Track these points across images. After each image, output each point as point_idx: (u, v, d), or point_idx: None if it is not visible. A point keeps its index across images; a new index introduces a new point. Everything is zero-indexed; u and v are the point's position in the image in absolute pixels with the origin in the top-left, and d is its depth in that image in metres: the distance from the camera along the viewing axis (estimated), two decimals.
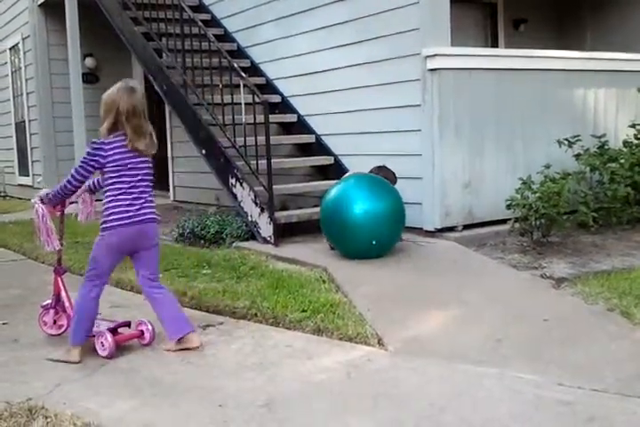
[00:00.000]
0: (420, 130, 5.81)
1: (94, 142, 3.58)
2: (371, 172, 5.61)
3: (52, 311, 4.05)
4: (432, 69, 5.65)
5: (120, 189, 3.57)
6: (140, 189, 3.62)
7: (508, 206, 5.25)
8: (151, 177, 3.71)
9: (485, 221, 5.88)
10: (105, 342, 3.62)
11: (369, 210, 5.08)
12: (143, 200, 3.64)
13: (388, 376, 3.16)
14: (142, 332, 3.83)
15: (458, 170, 5.77)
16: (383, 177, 5.47)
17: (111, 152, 3.51)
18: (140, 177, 3.61)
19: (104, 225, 3.64)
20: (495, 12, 8.77)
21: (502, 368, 3.15)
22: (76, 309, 3.71)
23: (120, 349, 3.68)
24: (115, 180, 3.56)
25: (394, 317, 3.90)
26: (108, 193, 3.60)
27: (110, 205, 3.59)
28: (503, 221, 5.60)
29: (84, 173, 3.62)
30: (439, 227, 5.72)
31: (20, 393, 3.13)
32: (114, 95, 3.60)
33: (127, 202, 3.58)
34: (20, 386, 3.25)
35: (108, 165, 3.53)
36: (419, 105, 5.79)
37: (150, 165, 3.70)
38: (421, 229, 5.83)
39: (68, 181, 3.70)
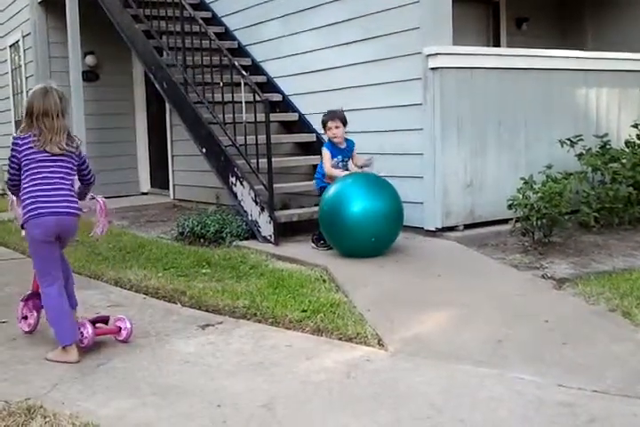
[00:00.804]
0: (421, 129, 5.79)
1: (14, 138, 3.74)
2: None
3: (21, 304, 4.09)
4: (433, 68, 5.64)
5: (33, 183, 3.65)
6: (54, 183, 3.67)
7: (510, 206, 5.24)
8: (68, 171, 3.74)
9: (487, 220, 5.86)
10: (85, 333, 3.69)
11: (367, 208, 5.06)
12: (57, 194, 3.66)
13: (387, 376, 3.15)
14: (120, 328, 3.86)
15: (459, 169, 5.75)
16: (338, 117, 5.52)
17: (24, 147, 3.65)
18: (52, 172, 3.68)
19: (22, 221, 3.73)
20: (497, 11, 8.75)
21: (503, 369, 3.13)
22: (47, 312, 3.73)
23: (106, 346, 3.67)
24: (27, 174, 3.66)
25: (394, 317, 3.88)
26: (23, 187, 3.69)
27: (25, 197, 3.67)
28: (505, 221, 5.58)
29: (10, 168, 3.75)
30: (440, 226, 5.70)
31: (19, 393, 3.12)
32: (30, 97, 3.77)
33: (40, 195, 3.63)
34: (19, 385, 3.24)
35: (22, 160, 3.66)
36: (420, 104, 5.78)
37: (69, 160, 3.74)
38: (422, 228, 5.82)
39: (7, 177, 3.82)
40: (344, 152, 5.69)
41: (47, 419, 2.81)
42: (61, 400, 3.03)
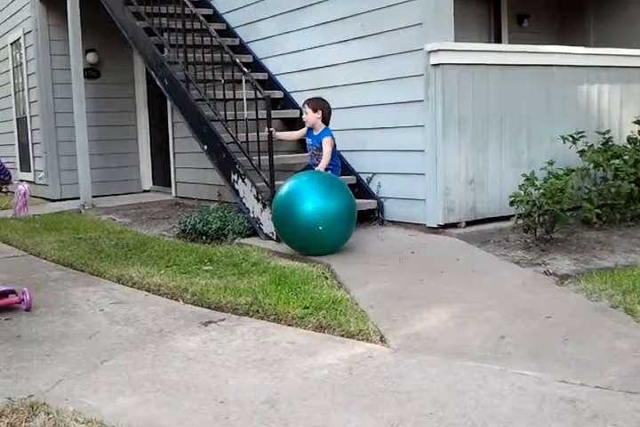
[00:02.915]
0: (423, 126, 5.79)
1: None
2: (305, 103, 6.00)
3: None
4: (435, 65, 5.63)
5: None
6: None
7: (512, 203, 5.24)
8: None
9: (489, 217, 5.86)
10: None
11: (319, 207, 5.14)
12: None
13: (390, 373, 3.15)
14: (22, 300, 4.47)
15: (461, 166, 5.75)
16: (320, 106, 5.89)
17: None
18: None
19: None
20: (498, 8, 8.73)
21: (505, 365, 3.13)
22: None
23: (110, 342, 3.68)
24: None
25: (396, 314, 3.88)
26: None
27: None
28: (507, 218, 5.59)
29: None
30: (442, 223, 5.70)
31: (22, 389, 3.13)
32: None
33: None
34: (22, 382, 3.25)
35: None
36: (422, 101, 5.77)
37: None
38: (424, 225, 5.82)
39: None
40: (314, 139, 6.02)
41: (50, 416, 2.81)
42: (64, 397, 3.04)
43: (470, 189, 5.79)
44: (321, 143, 5.90)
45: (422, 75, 5.74)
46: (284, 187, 5.39)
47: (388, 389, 2.98)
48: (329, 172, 5.77)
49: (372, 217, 6.19)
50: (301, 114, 7.12)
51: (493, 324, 3.68)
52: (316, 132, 6.01)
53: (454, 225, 5.73)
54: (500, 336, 3.49)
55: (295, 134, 6.38)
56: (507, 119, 5.98)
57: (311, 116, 5.99)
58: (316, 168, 5.79)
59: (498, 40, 8.64)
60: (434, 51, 5.61)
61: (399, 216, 6.13)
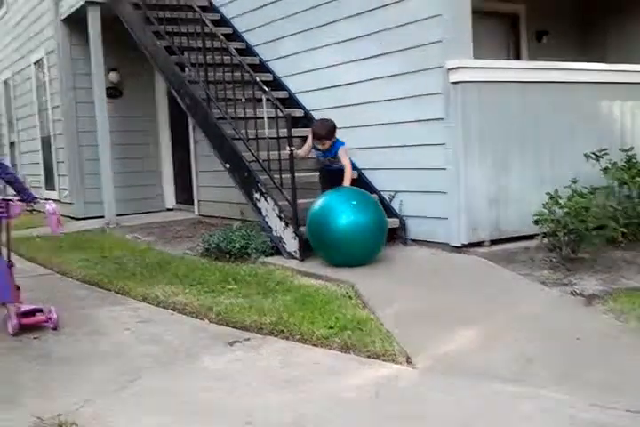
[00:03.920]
0: (444, 144, 5.79)
1: None
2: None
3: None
4: (455, 82, 5.64)
5: None
6: None
7: (536, 222, 5.21)
8: None
9: (513, 236, 5.82)
10: (9, 324, 4.46)
11: (353, 221, 5.44)
12: None
13: (416, 395, 3.14)
14: (49, 318, 4.55)
15: (484, 184, 5.74)
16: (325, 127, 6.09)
17: None
18: None
19: None
20: (517, 24, 8.76)
21: (534, 387, 3.11)
22: None
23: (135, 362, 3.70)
24: None
25: (422, 334, 3.88)
26: None
27: None
28: (531, 237, 5.54)
29: None
30: (466, 242, 5.68)
31: (51, 408, 3.16)
32: None
33: None
34: (51, 401, 3.28)
35: None
36: (442, 118, 5.78)
37: None
38: (448, 244, 5.80)
39: None
40: (326, 153, 6.26)
41: None
42: (93, 416, 3.07)
43: (494, 208, 5.77)
44: (337, 153, 6.12)
45: (442, 93, 5.75)
46: (319, 201, 5.68)
47: (416, 411, 2.97)
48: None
49: (395, 236, 6.18)
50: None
51: (521, 345, 3.66)
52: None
53: (478, 244, 5.70)
54: (528, 358, 3.46)
55: (309, 144, 6.38)
56: (529, 137, 5.97)
57: (328, 143, 6.15)
58: (344, 183, 5.93)
59: (517, 57, 8.66)
60: (453, 68, 5.63)
61: (422, 235, 6.11)
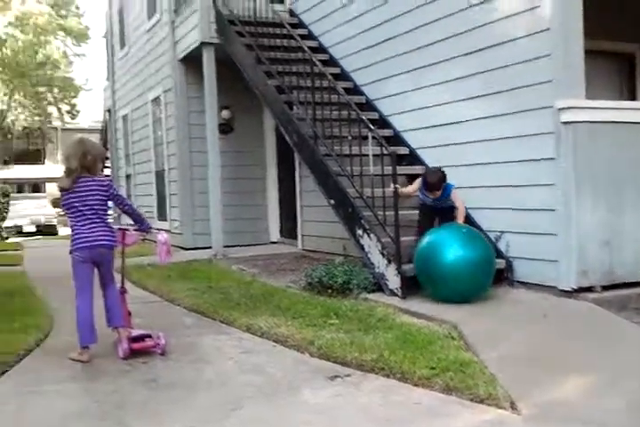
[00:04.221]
0: (553, 184, 5.68)
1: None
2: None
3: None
4: (566, 122, 5.55)
5: None
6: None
7: None
8: None
9: (627, 282, 5.57)
10: (120, 348, 4.63)
11: (460, 257, 5.53)
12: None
13: None
14: (157, 344, 4.69)
15: (596, 227, 5.56)
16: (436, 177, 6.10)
17: None
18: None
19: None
20: (633, 64, 8.51)
21: None
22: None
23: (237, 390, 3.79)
24: None
25: (527, 379, 3.77)
26: None
27: None
28: None
29: None
30: (575, 286, 5.49)
31: None
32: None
33: None
34: (155, 426, 3.40)
35: None
36: (552, 159, 5.68)
37: None
38: (556, 288, 5.63)
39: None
40: (438, 199, 6.23)
41: None
42: None
43: (606, 252, 5.56)
44: (448, 196, 6.14)
45: (553, 132, 5.66)
46: (430, 235, 5.84)
47: None
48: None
49: (502, 277, 6.05)
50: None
51: (633, 395, 3.49)
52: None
53: (589, 289, 5.49)
54: None
55: (414, 188, 6.38)
56: None
57: (439, 193, 6.16)
58: (458, 220, 6.03)
59: (632, 97, 8.39)
60: (565, 108, 5.54)
61: (529, 277, 5.96)
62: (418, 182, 6.30)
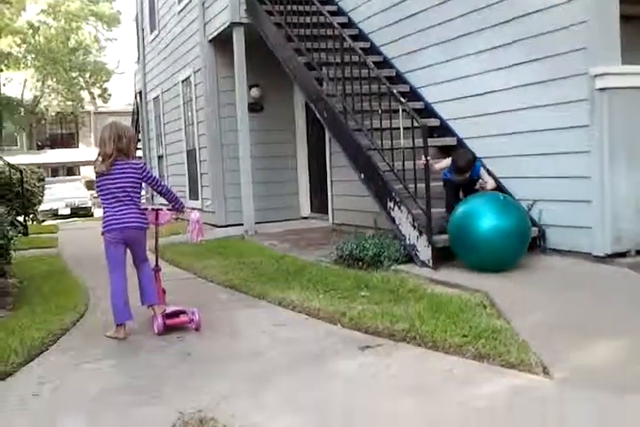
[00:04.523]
0: (588, 151, 5.57)
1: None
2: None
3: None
4: (601, 89, 5.43)
5: None
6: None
7: None
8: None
9: None
10: (155, 324, 4.71)
11: (495, 226, 5.47)
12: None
13: (553, 406, 3.03)
14: (192, 320, 4.74)
15: (630, 193, 5.46)
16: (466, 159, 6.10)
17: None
18: None
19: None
20: None
21: None
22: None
23: (270, 361, 3.81)
24: None
25: (560, 345, 3.73)
26: None
27: None
28: None
29: None
30: (609, 252, 5.43)
31: (192, 404, 3.31)
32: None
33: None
34: (192, 397, 3.44)
35: None
36: (587, 126, 5.57)
37: None
38: (590, 254, 5.57)
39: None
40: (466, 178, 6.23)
41: None
42: (231, 413, 3.18)
43: None
44: (478, 176, 6.17)
45: (587, 99, 5.55)
46: (464, 205, 5.78)
47: (552, 423, 2.87)
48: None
49: (534, 245, 6.00)
50: (458, 141, 7.16)
51: None
52: None
53: (622, 254, 5.43)
54: None
55: (442, 166, 6.37)
56: None
57: (468, 174, 6.16)
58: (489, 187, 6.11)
59: None
60: (599, 75, 5.42)
61: (562, 244, 5.90)
62: (446, 162, 6.29)
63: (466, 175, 6.14)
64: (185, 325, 4.79)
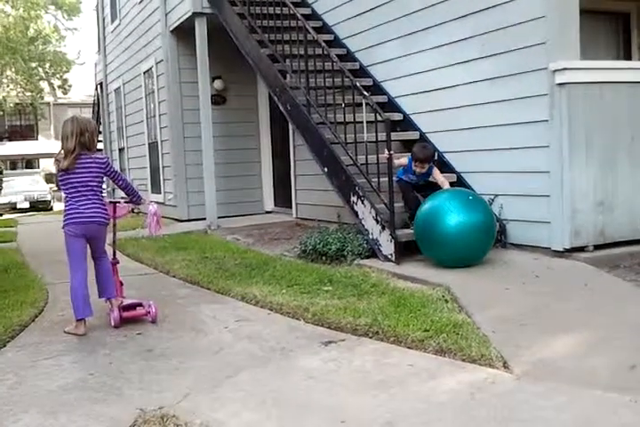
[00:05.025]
0: (547, 146, 5.64)
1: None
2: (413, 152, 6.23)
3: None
4: (560, 84, 5.49)
5: None
6: None
7: None
8: None
9: (619, 241, 5.60)
10: (112, 316, 4.71)
11: (461, 222, 5.45)
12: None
13: (513, 400, 3.07)
14: (148, 312, 4.77)
15: (589, 188, 5.55)
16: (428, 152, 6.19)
17: None
18: None
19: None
20: (628, 23, 8.39)
21: (636, 395, 2.97)
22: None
23: (234, 359, 3.80)
24: None
25: (520, 339, 3.78)
26: None
27: None
28: (638, 242, 5.31)
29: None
30: (568, 247, 5.51)
31: (153, 401, 3.28)
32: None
33: None
34: (153, 394, 3.41)
35: None
36: (546, 120, 5.64)
37: None
38: (549, 248, 5.65)
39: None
40: (421, 176, 6.31)
41: None
42: (192, 410, 3.16)
43: (599, 212, 5.57)
44: (430, 174, 6.29)
45: (547, 94, 5.61)
46: (430, 201, 5.74)
47: (512, 417, 2.90)
48: None
49: (495, 240, 6.06)
50: (421, 135, 7.19)
51: (623, 352, 3.51)
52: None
53: (581, 249, 5.52)
54: (631, 366, 3.32)
55: (402, 162, 6.40)
56: (637, 138, 5.72)
57: (427, 166, 6.23)
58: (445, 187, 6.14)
59: (627, 57, 8.30)
60: (559, 70, 5.48)
61: (522, 239, 5.98)
62: (404, 161, 6.34)
63: (425, 166, 6.16)
64: (141, 317, 4.82)
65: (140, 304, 4.86)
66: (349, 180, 6.55)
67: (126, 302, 4.87)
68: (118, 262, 5.09)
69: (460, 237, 5.41)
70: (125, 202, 5.00)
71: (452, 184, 6.38)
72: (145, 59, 12.32)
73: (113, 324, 4.70)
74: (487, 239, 5.61)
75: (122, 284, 5.06)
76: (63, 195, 4.84)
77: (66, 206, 4.70)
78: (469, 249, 5.50)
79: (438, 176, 6.27)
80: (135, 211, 5.37)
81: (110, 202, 4.99)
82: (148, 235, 5.51)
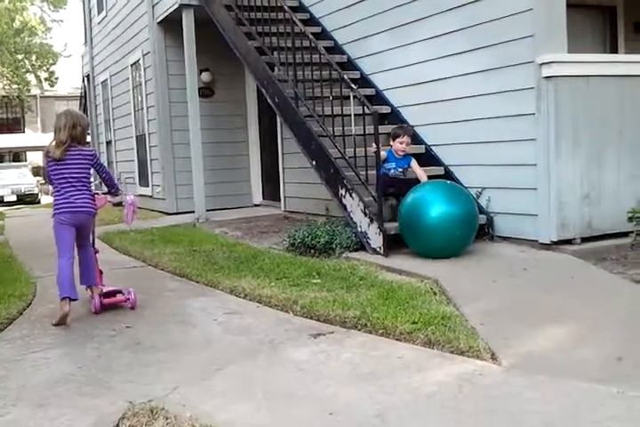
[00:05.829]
0: (534, 139, 5.67)
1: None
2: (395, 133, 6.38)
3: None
4: (547, 77, 5.51)
5: None
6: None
7: (630, 219, 5.04)
8: None
9: (605, 233, 5.64)
10: (93, 303, 4.87)
11: (444, 213, 5.52)
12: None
13: (501, 392, 3.09)
14: (128, 299, 4.93)
15: (576, 180, 5.58)
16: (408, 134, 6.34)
17: None
18: None
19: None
20: (614, 17, 8.43)
21: (623, 387, 3.01)
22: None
23: (223, 352, 3.81)
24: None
25: (508, 331, 3.81)
26: None
27: None
28: (625, 234, 5.36)
29: None
30: (555, 239, 5.54)
31: (142, 394, 3.28)
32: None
33: None
34: (142, 387, 3.41)
35: None
36: (533, 114, 5.66)
37: None
38: (536, 241, 5.68)
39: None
40: (400, 162, 6.40)
41: (169, 420, 2.94)
42: (182, 403, 3.16)
43: (586, 205, 5.61)
44: (409, 163, 6.41)
45: (534, 88, 5.63)
46: (412, 194, 5.79)
47: (500, 408, 2.93)
48: None
49: (482, 232, 6.10)
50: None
51: (611, 344, 3.55)
52: (399, 156, 6.43)
53: (568, 241, 5.56)
54: (618, 357, 3.35)
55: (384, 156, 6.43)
56: (625, 132, 5.76)
57: (409, 142, 6.37)
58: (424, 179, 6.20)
59: (614, 50, 8.34)
60: (546, 63, 5.50)
61: (510, 232, 6.01)
62: (385, 151, 6.42)
63: (408, 141, 6.34)
64: (121, 304, 4.99)
65: (119, 291, 5.06)
66: (337, 173, 6.55)
67: (106, 289, 5.05)
68: (98, 251, 5.24)
69: (442, 227, 5.46)
70: (103, 193, 5.15)
71: (439, 177, 6.41)
72: (132, 51, 12.23)
73: (93, 310, 4.88)
74: (469, 230, 5.64)
75: (101, 272, 5.21)
76: (52, 187, 4.99)
77: (56, 197, 4.85)
78: (451, 240, 5.55)
79: (417, 168, 6.34)
80: (123, 204, 5.45)
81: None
82: (136, 228, 5.52)
